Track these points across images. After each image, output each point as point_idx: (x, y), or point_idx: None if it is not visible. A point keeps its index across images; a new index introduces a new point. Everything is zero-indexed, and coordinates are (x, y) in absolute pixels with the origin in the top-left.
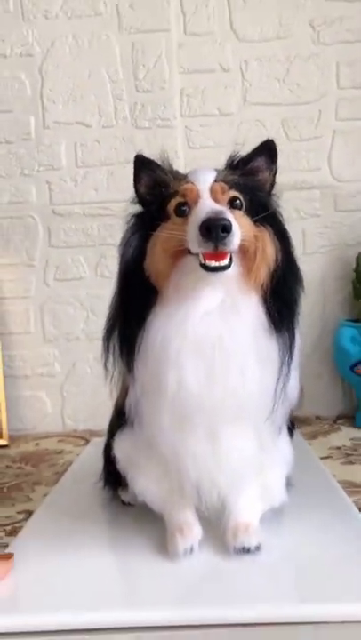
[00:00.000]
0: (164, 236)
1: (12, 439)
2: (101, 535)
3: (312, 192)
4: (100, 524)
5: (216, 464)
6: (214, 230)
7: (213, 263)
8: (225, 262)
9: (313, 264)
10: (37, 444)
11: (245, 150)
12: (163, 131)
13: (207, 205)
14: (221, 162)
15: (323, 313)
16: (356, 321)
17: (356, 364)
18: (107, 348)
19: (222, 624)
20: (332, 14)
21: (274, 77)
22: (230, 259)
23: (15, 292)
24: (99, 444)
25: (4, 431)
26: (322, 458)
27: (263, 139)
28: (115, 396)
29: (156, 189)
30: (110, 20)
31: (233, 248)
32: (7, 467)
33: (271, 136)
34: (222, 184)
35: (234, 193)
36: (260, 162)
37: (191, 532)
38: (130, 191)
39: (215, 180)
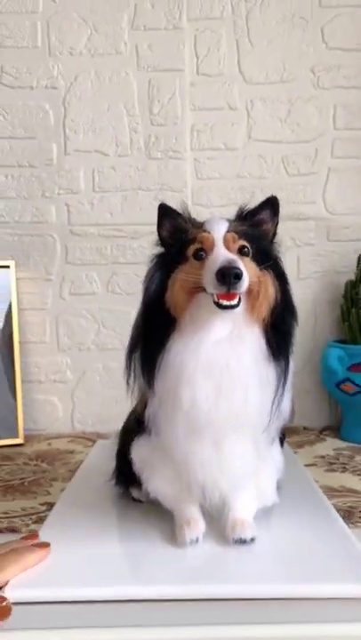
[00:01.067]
0: (183, 276)
1: (27, 439)
2: (115, 525)
3: (308, 223)
4: (113, 516)
5: (219, 469)
6: (228, 277)
7: (225, 302)
8: (235, 302)
9: (306, 288)
10: (49, 444)
11: (248, 182)
12: (174, 162)
13: (222, 254)
14: (226, 192)
15: (313, 333)
16: (343, 342)
17: (341, 382)
18: (128, 366)
19: (221, 599)
20: (331, 62)
21: (276, 117)
22: (239, 299)
23: (33, 304)
24: (104, 445)
25: (21, 431)
26: (307, 465)
27: (265, 173)
28: (133, 405)
29: (177, 234)
30: (129, 59)
31: (242, 291)
32: (24, 463)
33: (271, 171)
34: (233, 234)
35: (243, 242)
36: (264, 215)
37: (197, 525)
38: (141, 216)
39: (227, 231)
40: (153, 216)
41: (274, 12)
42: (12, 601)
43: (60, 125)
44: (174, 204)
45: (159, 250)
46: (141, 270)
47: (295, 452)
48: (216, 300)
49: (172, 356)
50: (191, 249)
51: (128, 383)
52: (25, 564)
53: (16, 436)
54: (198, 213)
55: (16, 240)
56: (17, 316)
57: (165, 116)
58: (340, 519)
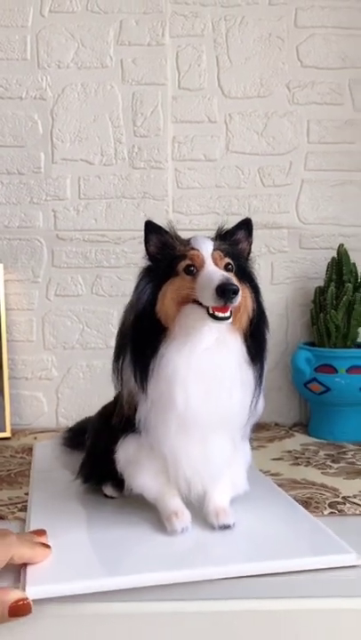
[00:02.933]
0: (173, 289)
1: (13, 432)
2: (90, 519)
3: (281, 231)
4: (84, 511)
5: (204, 462)
6: (228, 292)
7: (221, 314)
8: (228, 314)
9: (279, 293)
10: (35, 438)
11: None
12: (155, 171)
13: (217, 272)
14: (205, 201)
15: (286, 335)
16: (311, 344)
17: (308, 382)
18: (116, 372)
19: (211, 579)
20: (306, 79)
21: (253, 130)
22: (231, 311)
23: (20, 304)
24: (45, 446)
25: (8, 425)
26: (274, 459)
27: (242, 184)
28: (101, 409)
29: (165, 250)
30: (115, 73)
31: (236, 304)
32: (11, 456)
33: (248, 181)
34: (220, 252)
35: (227, 259)
36: (240, 235)
37: (184, 515)
38: (124, 223)
39: (214, 249)
40: (135, 223)
41: (252, 31)
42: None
43: (47, 135)
44: (156, 212)
45: (146, 264)
46: (124, 274)
47: (265, 447)
48: (211, 312)
49: (165, 362)
50: (182, 265)
51: (116, 387)
52: (34, 555)
53: (3, 430)
54: (178, 221)
55: (5, 244)
56: (5, 316)
57: (148, 127)
58: (300, 506)
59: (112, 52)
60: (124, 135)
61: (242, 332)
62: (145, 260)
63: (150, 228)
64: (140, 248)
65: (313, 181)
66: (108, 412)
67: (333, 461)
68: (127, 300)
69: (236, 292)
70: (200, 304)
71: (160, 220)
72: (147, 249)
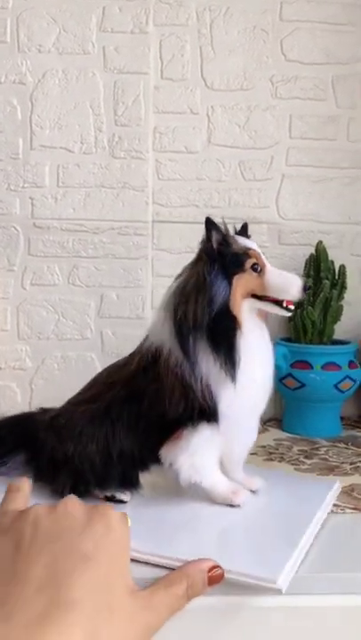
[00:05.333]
0: (243, 284)
1: None
2: None
3: (261, 226)
4: None
5: (252, 439)
6: (305, 289)
7: (291, 307)
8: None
9: None
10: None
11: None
12: (136, 162)
13: (286, 272)
14: (185, 193)
15: None
16: (288, 340)
17: (284, 377)
18: (191, 364)
19: None
20: (289, 73)
21: (235, 123)
22: None
23: None
24: None
25: None
26: (249, 454)
27: (223, 177)
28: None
29: (227, 247)
30: (96, 60)
31: None
32: None
33: (229, 175)
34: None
35: None
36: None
37: (243, 490)
38: (102, 212)
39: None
40: (114, 213)
41: (236, 23)
42: None
43: (26, 121)
44: (136, 203)
45: (209, 258)
46: (101, 264)
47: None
48: (285, 305)
49: (243, 352)
50: (249, 262)
51: (195, 375)
52: None
53: None
54: (158, 213)
55: None
56: None
57: (129, 117)
58: None
59: (94, 39)
60: (105, 124)
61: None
62: (205, 254)
63: (211, 225)
64: (119, 239)
65: (294, 177)
66: (115, 406)
67: (307, 457)
68: (104, 290)
69: (306, 289)
70: (259, 298)
71: (139, 211)
72: (210, 244)
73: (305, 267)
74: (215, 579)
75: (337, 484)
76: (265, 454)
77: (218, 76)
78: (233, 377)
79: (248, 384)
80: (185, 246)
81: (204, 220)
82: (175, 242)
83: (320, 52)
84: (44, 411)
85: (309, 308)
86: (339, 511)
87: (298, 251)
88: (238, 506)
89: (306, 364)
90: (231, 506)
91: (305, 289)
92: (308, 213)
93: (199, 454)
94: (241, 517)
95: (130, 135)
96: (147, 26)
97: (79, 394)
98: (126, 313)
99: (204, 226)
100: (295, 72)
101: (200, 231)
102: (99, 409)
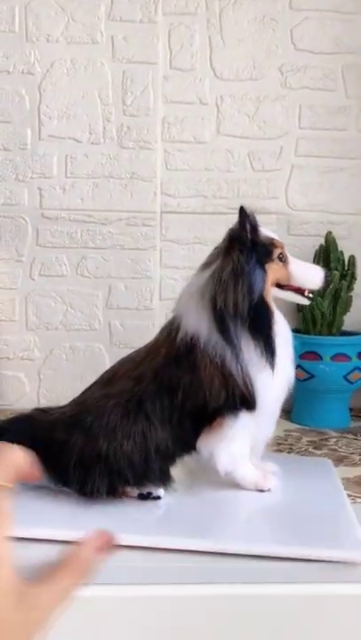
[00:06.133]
0: (273, 273)
1: None
2: None
3: (270, 217)
4: None
5: (274, 426)
6: (326, 279)
7: (311, 295)
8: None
9: None
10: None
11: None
12: (144, 152)
13: (305, 262)
14: (193, 183)
15: None
16: (297, 331)
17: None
18: (234, 352)
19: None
20: (299, 62)
21: (244, 113)
22: None
23: (3, 283)
24: None
25: None
26: None
27: (231, 167)
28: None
29: (257, 236)
30: (105, 49)
31: None
32: None
33: (238, 165)
34: None
35: None
36: None
37: (269, 475)
38: (111, 203)
39: None
40: (123, 204)
41: (246, 12)
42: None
43: (35, 111)
44: (144, 194)
45: (242, 246)
46: (109, 255)
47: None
48: (307, 294)
49: (277, 340)
50: (277, 252)
51: (238, 364)
52: None
53: None
54: (166, 203)
55: None
56: None
57: (138, 107)
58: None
59: (103, 28)
60: (114, 114)
61: None
62: (240, 243)
63: (245, 214)
64: (128, 230)
65: (303, 167)
66: (147, 399)
67: (316, 448)
68: (112, 281)
69: None
70: (282, 287)
71: (147, 202)
72: (246, 233)
73: (314, 257)
74: (106, 547)
75: (329, 461)
76: (274, 445)
77: (227, 65)
78: (272, 364)
79: (279, 371)
80: (193, 237)
81: (212, 210)
82: (183, 232)
83: (330, 41)
84: (43, 410)
85: (319, 298)
86: (350, 501)
87: (307, 241)
88: (269, 490)
89: (315, 355)
90: (261, 490)
91: (326, 278)
92: (317, 204)
93: (237, 442)
94: (274, 501)
95: (138, 125)
96: (155, 15)
97: (101, 388)
98: (134, 304)
99: (238, 214)
100: (305, 62)
101: (208, 222)
102: (130, 403)
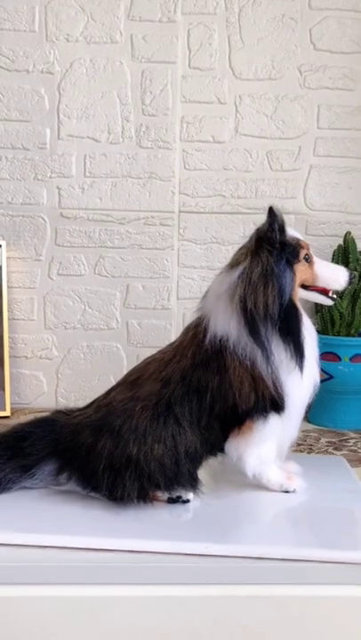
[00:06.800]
0: (300, 274)
1: (12, 412)
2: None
3: (288, 217)
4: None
5: (299, 426)
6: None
7: (335, 296)
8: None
9: None
10: (35, 417)
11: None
12: (163, 152)
13: (329, 262)
14: (212, 183)
15: None
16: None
17: None
18: (266, 354)
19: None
20: (318, 62)
21: (263, 113)
22: None
23: (22, 282)
24: None
25: (7, 404)
26: None
27: (250, 167)
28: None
29: (284, 237)
30: (124, 49)
31: None
32: None
33: (256, 165)
34: None
35: None
36: None
37: (294, 476)
38: (129, 202)
39: None
40: (141, 203)
41: (265, 12)
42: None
43: (54, 110)
44: (162, 193)
45: (269, 248)
46: (127, 254)
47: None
48: (332, 295)
49: (305, 342)
50: (303, 252)
51: (270, 364)
52: None
53: (3, 409)
54: (184, 203)
55: (8, 220)
56: (6, 294)
57: (157, 106)
58: None
59: (122, 28)
60: (132, 113)
61: None
62: (269, 244)
63: (274, 214)
64: (145, 230)
65: (321, 167)
66: (176, 402)
67: (336, 449)
68: (130, 281)
69: None
70: (306, 287)
71: (166, 202)
72: (275, 234)
73: (333, 257)
74: None
75: (343, 459)
76: (293, 445)
77: (246, 65)
78: (301, 366)
79: (306, 374)
80: (211, 237)
81: (230, 210)
82: (201, 232)
83: (350, 41)
84: (64, 412)
85: (338, 299)
86: None
87: (325, 241)
88: (294, 491)
89: (334, 356)
90: (286, 492)
91: (351, 278)
92: (335, 204)
93: (265, 445)
94: (298, 502)
95: (157, 125)
96: (175, 14)
97: (126, 390)
98: (152, 303)
99: (267, 214)
100: (324, 61)
101: (226, 222)
102: (159, 407)
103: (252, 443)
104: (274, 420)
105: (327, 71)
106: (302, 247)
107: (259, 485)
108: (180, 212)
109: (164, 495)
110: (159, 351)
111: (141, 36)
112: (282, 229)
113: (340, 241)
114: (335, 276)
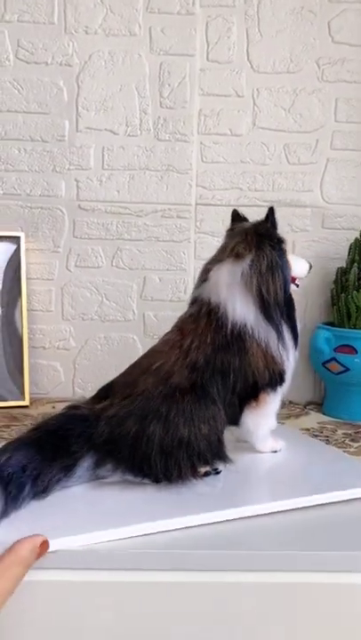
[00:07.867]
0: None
1: (31, 401)
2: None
3: (305, 210)
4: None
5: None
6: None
7: (298, 283)
8: None
9: None
10: (53, 407)
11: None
12: (180, 144)
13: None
14: (229, 176)
15: (304, 314)
16: (331, 324)
17: (327, 361)
18: (280, 335)
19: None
20: (336, 56)
21: (281, 106)
22: None
23: (40, 274)
24: None
25: (27, 394)
26: None
27: (267, 160)
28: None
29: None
30: (143, 41)
31: None
32: (31, 424)
33: (273, 158)
34: None
35: None
36: None
37: (277, 438)
38: (147, 195)
39: None
40: (158, 196)
41: (283, 4)
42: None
43: (72, 102)
44: (180, 186)
45: (271, 243)
46: (144, 247)
47: (282, 424)
48: (296, 282)
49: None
50: (285, 246)
51: (282, 347)
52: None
53: (22, 399)
54: (201, 196)
55: (26, 212)
56: (25, 285)
57: (175, 99)
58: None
59: (141, 20)
60: (150, 106)
61: None
62: (270, 238)
63: (274, 212)
64: (163, 222)
65: (338, 161)
66: (209, 385)
67: (353, 440)
68: (146, 273)
69: None
70: None
71: (183, 194)
72: (276, 230)
73: (349, 251)
74: (43, 550)
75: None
76: (311, 436)
77: (264, 58)
78: (297, 345)
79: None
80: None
81: (248, 203)
82: (218, 225)
83: None
84: (82, 406)
85: (355, 292)
86: None
87: (341, 235)
88: (280, 450)
89: (351, 349)
90: (274, 451)
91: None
92: (352, 198)
93: (273, 415)
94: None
95: (175, 117)
96: (193, 7)
97: (152, 377)
98: (168, 296)
99: (267, 212)
100: (342, 55)
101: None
102: (197, 390)
103: (266, 414)
104: (279, 393)
105: (345, 64)
106: (285, 242)
107: (251, 449)
108: (196, 204)
109: (208, 468)
110: (166, 337)
111: (160, 29)
112: (275, 226)
113: (357, 234)
114: (302, 268)
